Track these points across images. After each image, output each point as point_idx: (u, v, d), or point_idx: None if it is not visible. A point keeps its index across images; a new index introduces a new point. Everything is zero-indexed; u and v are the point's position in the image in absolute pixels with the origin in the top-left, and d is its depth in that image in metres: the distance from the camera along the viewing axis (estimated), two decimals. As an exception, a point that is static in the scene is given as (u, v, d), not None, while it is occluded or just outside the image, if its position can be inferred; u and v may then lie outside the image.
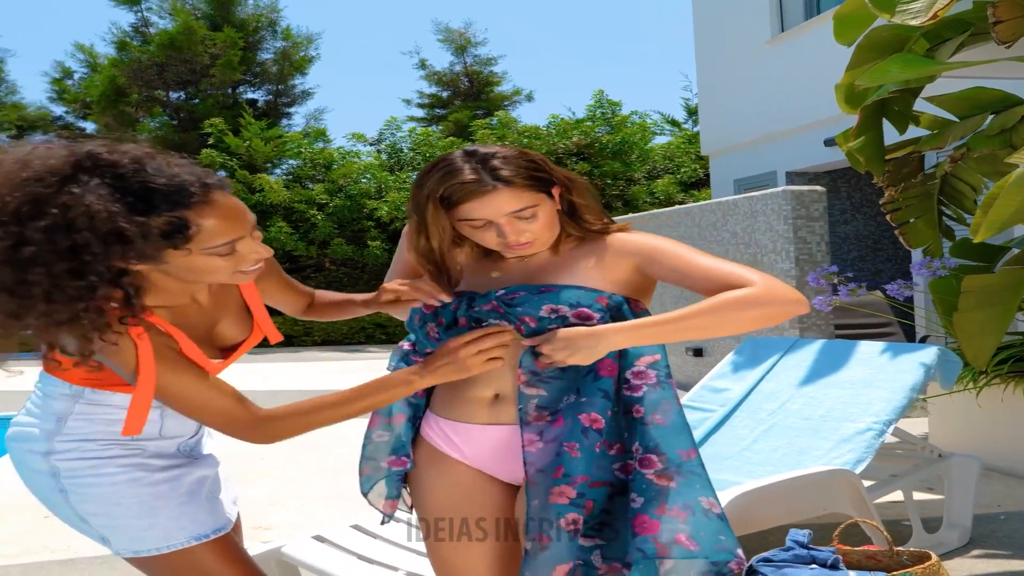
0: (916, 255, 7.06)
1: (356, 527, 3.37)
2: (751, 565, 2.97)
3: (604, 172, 17.73)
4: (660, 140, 20.14)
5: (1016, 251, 5.44)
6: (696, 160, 18.51)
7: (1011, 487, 4.97)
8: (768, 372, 4.41)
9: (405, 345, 2.15)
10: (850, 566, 3.05)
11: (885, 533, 3.04)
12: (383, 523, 2.26)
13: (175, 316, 1.87)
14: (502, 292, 1.95)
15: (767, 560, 2.96)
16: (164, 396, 1.81)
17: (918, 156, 6.04)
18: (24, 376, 1.93)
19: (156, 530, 1.92)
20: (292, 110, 22.20)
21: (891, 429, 3.74)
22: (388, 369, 2.16)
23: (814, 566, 2.93)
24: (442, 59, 33.68)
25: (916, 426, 6.35)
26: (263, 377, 11.56)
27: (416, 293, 2.00)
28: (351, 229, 17.86)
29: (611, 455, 1.90)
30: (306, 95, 22.09)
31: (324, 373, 12.42)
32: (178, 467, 2.00)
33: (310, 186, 18.57)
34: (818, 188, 7.53)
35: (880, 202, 6.15)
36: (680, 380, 9.26)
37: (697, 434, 4.15)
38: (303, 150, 18.79)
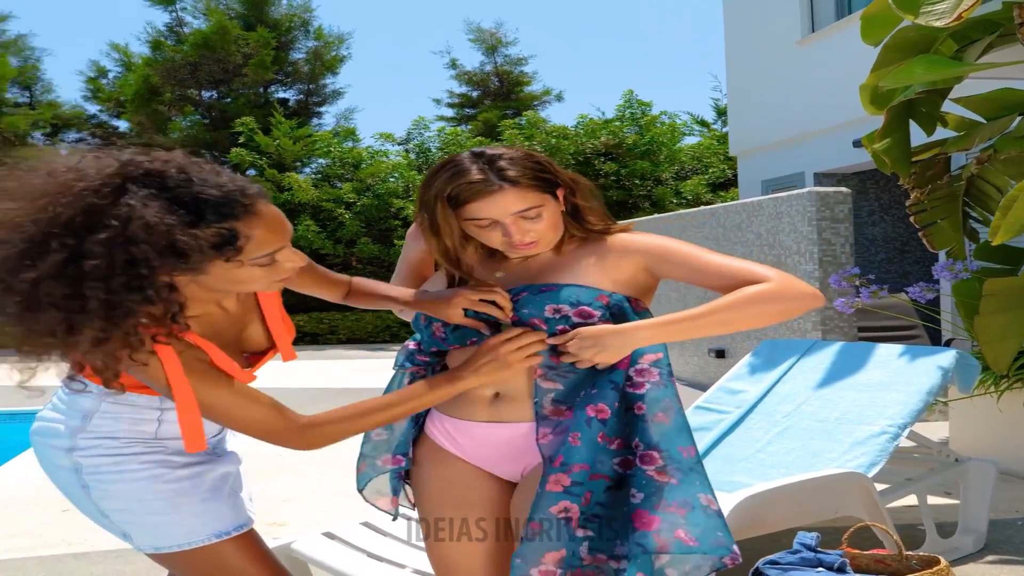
0: (941, 258, 6.98)
1: (366, 524, 3.39)
2: (758, 567, 2.96)
3: (632, 172, 17.68)
4: (689, 140, 20.09)
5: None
6: (725, 161, 18.42)
7: (1031, 493, 4.92)
8: (785, 374, 4.39)
9: (411, 344, 2.17)
10: (859, 570, 3.03)
11: (895, 537, 3.02)
12: (394, 519, 2.29)
13: (203, 326, 1.86)
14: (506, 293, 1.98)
15: (774, 563, 2.95)
16: (201, 409, 1.81)
17: (944, 158, 5.98)
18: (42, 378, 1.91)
19: (179, 527, 1.93)
20: (323, 109, 22.35)
21: (906, 432, 3.71)
22: (394, 368, 2.18)
23: (821, 569, 2.91)
24: (473, 59, 33.77)
25: (937, 430, 6.29)
26: (287, 375, 11.61)
27: (492, 295, 1.96)
28: (378, 228, 17.94)
29: (611, 449, 1.91)
30: (337, 95, 22.21)
31: (349, 371, 12.48)
32: (200, 464, 2.01)
33: (338, 185, 18.66)
34: (843, 189, 7.47)
35: (906, 204, 6.10)
36: (702, 381, 9.23)
37: (711, 435, 4.14)
38: (332, 149, 18.89)
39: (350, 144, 19.58)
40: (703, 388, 7.78)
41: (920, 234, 6.03)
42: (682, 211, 10.39)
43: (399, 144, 19.91)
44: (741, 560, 1.85)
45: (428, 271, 2.25)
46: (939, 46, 5.45)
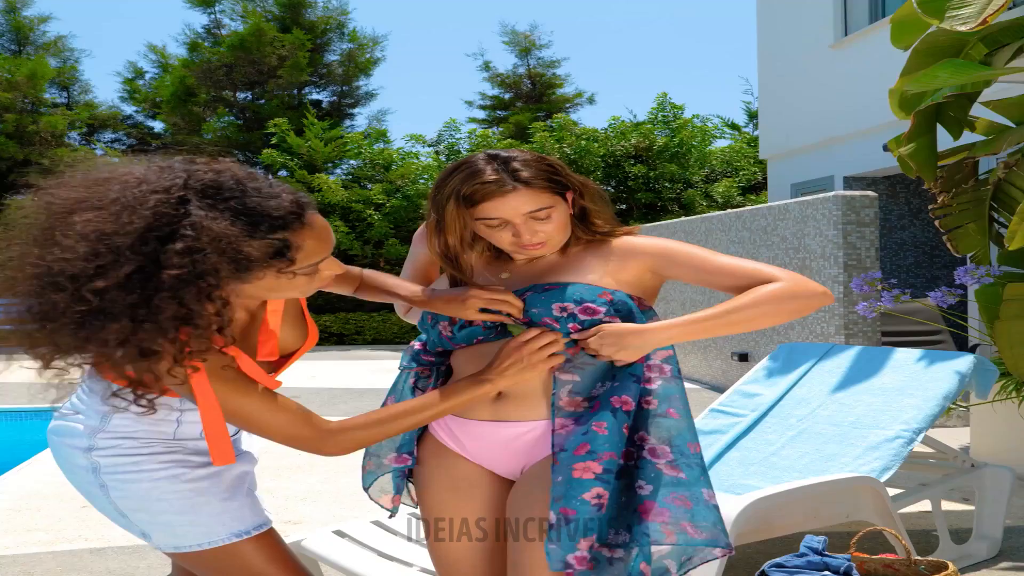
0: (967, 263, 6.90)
1: (376, 523, 3.41)
2: (763, 570, 2.95)
3: (661, 175, 17.64)
4: (720, 144, 20.00)
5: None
6: (756, 164, 18.33)
7: (1053, 500, 4.86)
8: (801, 378, 4.37)
9: (416, 345, 2.19)
10: (867, 574, 3.01)
11: (904, 542, 3.00)
12: (390, 516, 2.31)
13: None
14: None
15: (779, 566, 2.94)
16: (227, 416, 1.82)
17: (972, 162, 5.92)
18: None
19: (198, 527, 1.94)
20: (355, 111, 22.43)
21: (921, 437, 3.68)
22: (399, 368, 2.20)
23: (826, 573, 2.90)
24: (506, 61, 33.84)
25: (958, 436, 6.23)
26: (312, 375, 11.69)
27: (503, 306, 1.97)
28: (407, 229, 18.00)
29: (630, 440, 1.96)
30: (369, 96, 22.30)
31: (373, 372, 12.53)
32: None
33: (368, 186, 18.75)
34: (869, 193, 7.41)
35: (930, 208, 6.05)
36: (725, 385, 9.20)
37: (726, 439, 4.13)
38: (363, 151, 18.99)
39: (381, 146, 19.67)
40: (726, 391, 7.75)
41: (944, 238, 5.97)
42: (709, 214, 10.35)
43: (429, 146, 19.98)
44: (734, 552, 1.92)
45: (434, 274, 2.27)
46: (969, 50, 5.40)
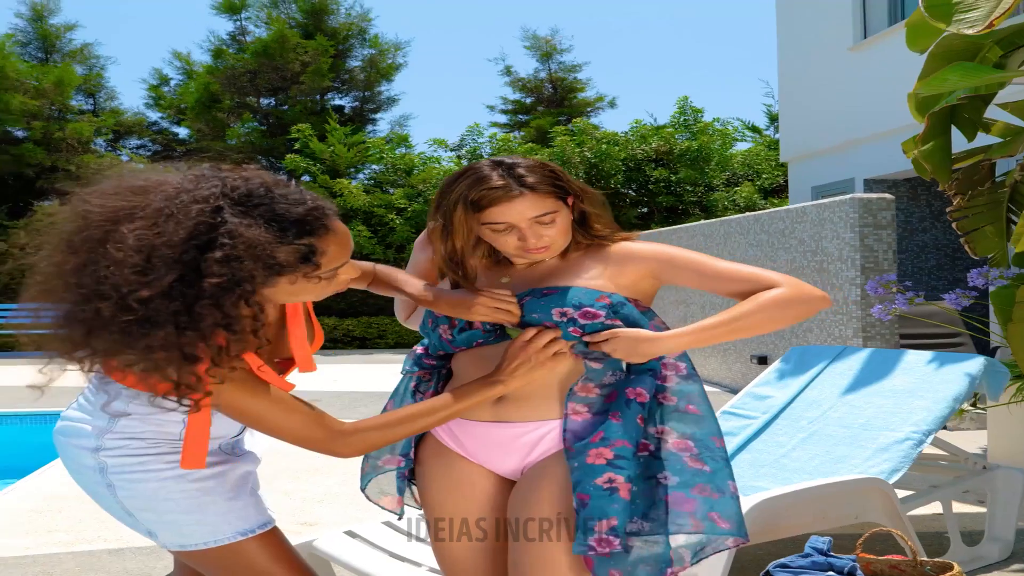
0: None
1: (387, 523, 3.44)
2: (768, 570, 2.97)
3: (682, 179, 17.62)
4: (741, 147, 19.95)
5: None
6: (777, 167, 18.28)
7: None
8: (813, 380, 4.38)
9: (419, 349, 2.23)
10: (872, 575, 3.02)
11: (909, 543, 3.01)
12: (399, 519, 2.35)
13: None
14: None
15: (784, 566, 2.95)
16: (241, 418, 1.87)
17: (989, 164, 5.90)
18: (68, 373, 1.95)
19: (203, 526, 1.98)
20: (377, 116, 22.53)
21: (930, 439, 3.69)
22: (402, 372, 2.24)
23: (831, 573, 2.91)
24: (527, 66, 33.87)
25: (977, 439, 6.20)
26: (334, 379, 11.76)
27: (498, 315, 2.02)
28: (428, 234, 18.05)
29: (645, 432, 2.02)
30: (391, 101, 22.40)
31: (395, 376, 12.53)
32: (223, 464, 2.05)
33: (391, 191, 18.84)
34: (886, 196, 7.40)
35: (947, 210, 6.03)
36: (744, 387, 9.18)
37: (737, 440, 4.15)
38: (385, 156, 19.08)
39: (402, 150, 19.76)
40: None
41: (962, 240, 5.95)
42: (727, 217, 10.35)
43: (451, 150, 20.05)
44: (748, 541, 1.99)
45: (434, 281, 2.31)
46: (985, 53, 5.39)
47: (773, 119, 20.87)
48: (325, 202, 1.85)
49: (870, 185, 11.46)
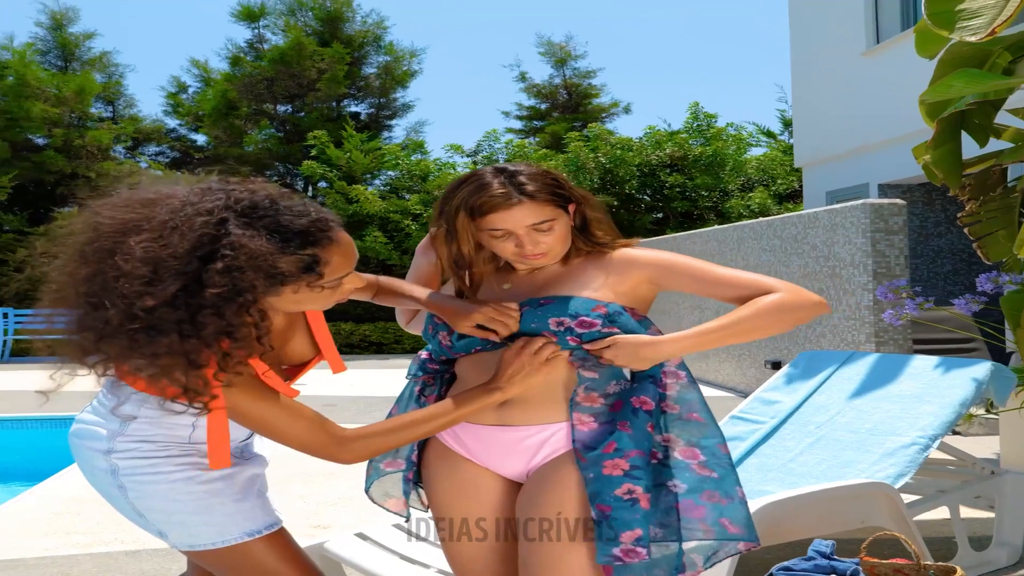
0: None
1: (397, 526, 3.49)
2: (771, 573, 3.00)
3: (697, 184, 17.63)
4: (756, 152, 19.94)
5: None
6: (792, 172, 18.26)
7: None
8: (821, 385, 4.40)
9: (423, 354, 2.29)
10: (875, 578, 3.05)
11: (913, 547, 3.03)
12: (406, 520, 2.40)
13: None
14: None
15: (787, 568, 2.99)
16: (246, 422, 1.93)
17: (1001, 169, 5.91)
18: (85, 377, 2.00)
19: (211, 526, 2.04)
20: (393, 123, 22.62)
21: (936, 444, 3.71)
22: (407, 377, 2.29)
23: (833, 576, 2.95)
24: (542, 72, 33.91)
25: (990, 445, 6.20)
26: (350, 383, 11.81)
27: (494, 324, 2.06)
28: (444, 239, 18.10)
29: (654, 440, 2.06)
30: (407, 108, 22.49)
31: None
32: (231, 466, 2.10)
33: (406, 197, 18.92)
34: (898, 201, 7.41)
35: (958, 215, 6.04)
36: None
37: (745, 445, 4.18)
38: (400, 162, 19.17)
39: (418, 157, 19.84)
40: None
41: (974, 245, 5.96)
42: (740, 223, 10.37)
43: (468, 156, 20.12)
44: (760, 545, 2.03)
45: (435, 285, 2.36)
46: (996, 59, 5.40)
47: (788, 124, 20.85)
48: (329, 214, 1.91)
49: (884, 190, 11.45)
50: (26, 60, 19.46)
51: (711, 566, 2.02)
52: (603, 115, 22.68)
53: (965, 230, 5.94)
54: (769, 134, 20.84)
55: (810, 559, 2.96)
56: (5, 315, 16.26)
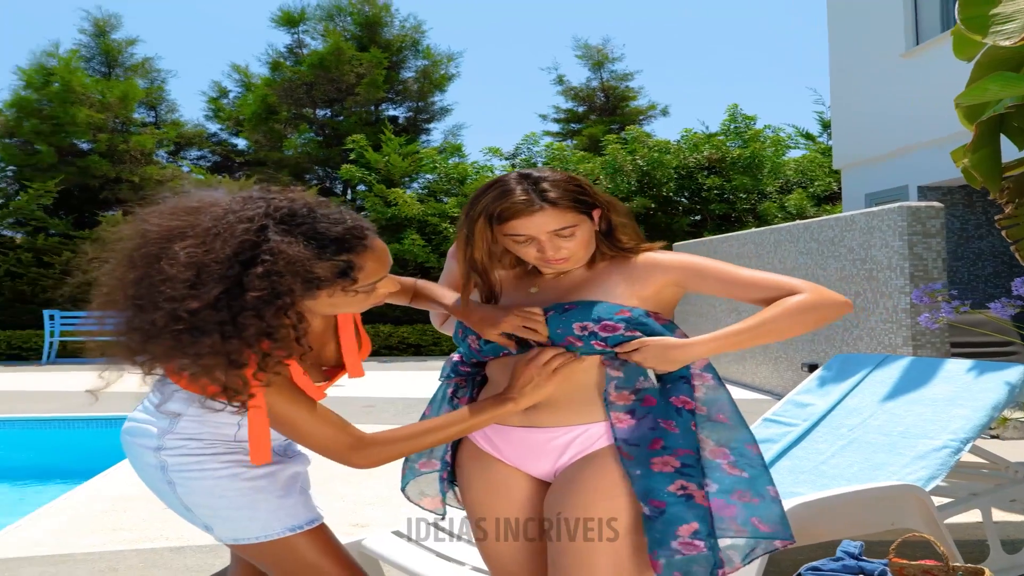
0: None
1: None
2: (799, 573, 3.04)
3: (736, 186, 17.59)
4: (794, 154, 19.83)
5: None
6: (830, 174, 18.16)
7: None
8: (854, 388, 4.42)
9: (455, 356, 2.35)
10: (904, 579, 3.07)
11: (942, 549, 3.06)
12: (441, 519, 2.47)
13: None
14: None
15: (815, 568, 3.03)
16: (275, 421, 2.02)
17: (1040, 171, 5.88)
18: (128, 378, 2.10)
19: (255, 521, 2.13)
20: (431, 126, 22.75)
21: (968, 447, 3.72)
22: (440, 379, 2.36)
23: (862, 576, 2.98)
24: (579, 75, 33.95)
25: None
26: (389, 385, 11.92)
27: (525, 332, 2.12)
28: (481, 242, 18.19)
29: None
30: (444, 111, 22.61)
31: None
32: (275, 463, 2.20)
33: (444, 200, 19.04)
34: (935, 204, 7.39)
35: (996, 218, 6.02)
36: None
37: (778, 447, 4.21)
38: (438, 165, 19.29)
39: (456, 160, 19.96)
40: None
41: (1012, 248, 5.94)
42: (777, 225, 10.36)
43: (506, 159, 20.20)
44: (795, 543, 2.07)
45: (460, 289, 2.43)
46: (1033, 61, 5.39)
47: (826, 126, 20.73)
48: (364, 221, 2.00)
49: (924, 192, 11.38)
50: (71, 67, 19.78)
51: (749, 562, 2.06)
52: (640, 118, 22.67)
53: (1003, 233, 5.92)
54: (808, 136, 20.73)
55: (838, 559, 3.00)
56: (52, 317, 16.57)
